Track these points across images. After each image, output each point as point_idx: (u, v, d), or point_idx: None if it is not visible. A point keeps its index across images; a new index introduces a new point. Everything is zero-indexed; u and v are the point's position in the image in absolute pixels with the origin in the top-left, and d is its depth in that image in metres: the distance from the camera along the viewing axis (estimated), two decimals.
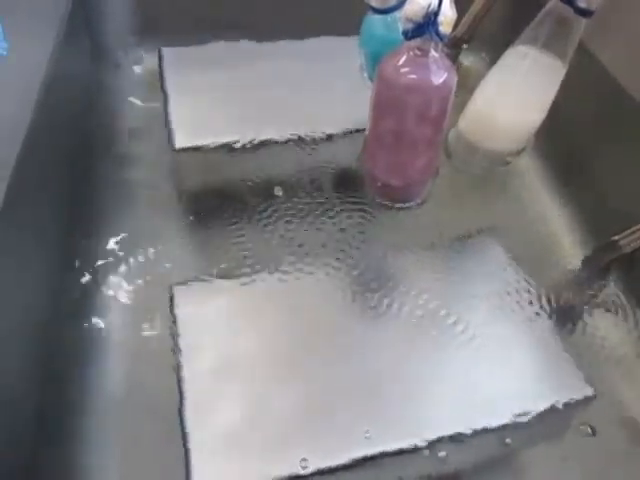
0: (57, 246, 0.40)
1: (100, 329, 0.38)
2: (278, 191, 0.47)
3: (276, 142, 0.51)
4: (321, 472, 0.33)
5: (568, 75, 0.42)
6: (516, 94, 0.44)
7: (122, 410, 0.35)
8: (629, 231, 0.42)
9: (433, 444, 0.35)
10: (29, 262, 0.35)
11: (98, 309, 0.39)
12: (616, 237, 0.43)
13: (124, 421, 0.34)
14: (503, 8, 0.53)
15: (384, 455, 0.34)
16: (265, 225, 0.45)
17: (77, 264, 0.41)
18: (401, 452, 0.34)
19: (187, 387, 0.35)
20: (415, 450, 0.34)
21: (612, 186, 0.48)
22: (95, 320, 0.38)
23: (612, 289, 0.44)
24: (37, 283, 0.37)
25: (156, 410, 0.35)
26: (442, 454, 0.35)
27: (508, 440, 0.36)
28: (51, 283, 0.38)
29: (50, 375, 0.35)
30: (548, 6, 0.40)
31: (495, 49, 0.46)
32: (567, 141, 0.52)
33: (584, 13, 0.38)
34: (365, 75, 0.50)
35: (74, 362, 0.36)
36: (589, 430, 0.37)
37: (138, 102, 0.53)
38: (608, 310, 0.43)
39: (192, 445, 0.33)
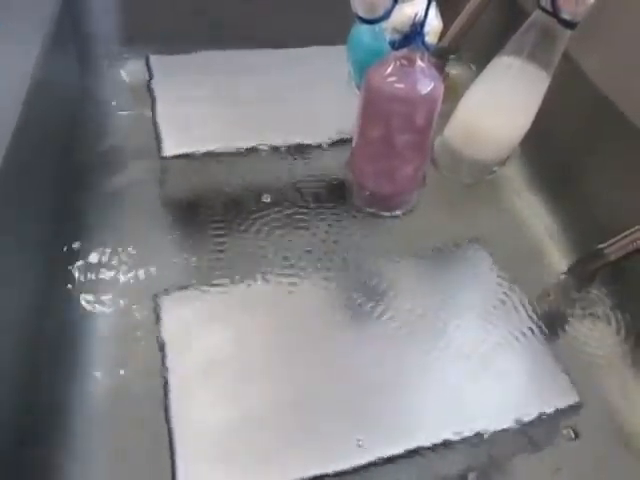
0: (42, 254, 0.40)
1: (85, 336, 0.37)
2: (266, 198, 0.47)
3: (263, 150, 0.51)
4: None
5: (552, 85, 0.43)
6: (501, 104, 0.45)
7: (108, 418, 0.34)
8: (614, 239, 0.43)
9: (423, 451, 0.35)
10: (15, 268, 0.35)
11: (83, 316, 0.38)
12: (601, 245, 0.44)
13: (110, 429, 0.34)
14: (489, 19, 0.54)
15: (376, 464, 0.34)
16: (252, 233, 0.45)
17: (63, 271, 0.40)
18: (393, 460, 0.34)
19: (173, 395, 0.35)
20: (405, 457, 0.34)
21: (597, 194, 0.48)
22: (80, 327, 0.38)
23: (598, 297, 0.44)
24: (21, 291, 0.36)
25: (142, 418, 0.35)
26: (432, 461, 0.34)
27: (496, 447, 0.36)
28: (35, 291, 0.38)
29: (34, 383, 0.34)
30: (532, 17, 0.40)
31: (481, 59, 0.47)
32: (552, 150, 0.53)
33: (568, 24, 0.39)
34: (353, 84, 0.50)
35: (58, 370, 0.36)
36: (576, 437, 0.37)
37: (125, 110, 0.53)
38: (594, 318, 0.43)
39: (178, 453, 0.33)
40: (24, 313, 0.36)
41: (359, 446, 0.34)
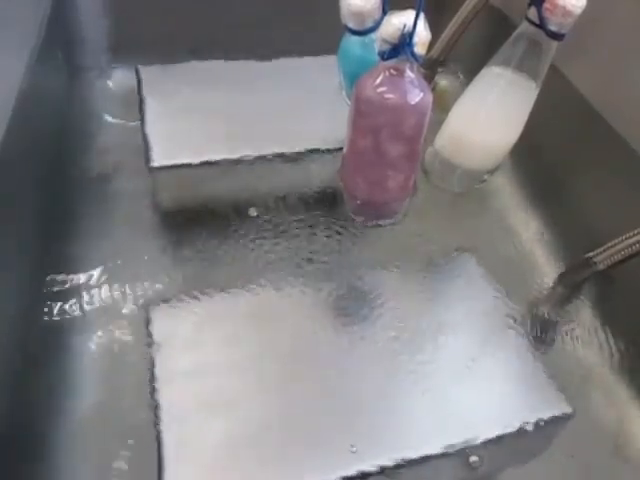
0: (28, 265, 0.39)
1: (74, 348, 0.37)
2: (254, 211, 0.47)
3: (254, 160, 0.51)
4: None
5: (541, 95, 0.43)
6: (490, 114, 0.45)
7: (94, 434, 0.34)
8: (602, 248, 0.43)
9: (414, 462, 0.34)
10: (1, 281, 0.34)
11: (72, 328, 0.38)
12: (590, 254, 0.44)
13: (96, 445, 0.33)
14: (478, 30, 0.54)
15: (367, 475, 0.34)
16: (243, 243, 0.44)
17: (51, 283, 0.40)
18: (383, 471, 0.34)
19: (163, 407, 0.35)
20: (397, 468, 0.34)
21: (586, 203, 0.49)
22: (69, 339, 0.37)
23: (587, 306, 0.44)
24: (5, 304, 0.35)
25: (130, 433, 0.34)
26: (423, 472, 0.34)
27: (487, 457, 0.35)
28: (19, 304, 0.37)
29: (19, 398, 0.34)
30: (520, 28, 0.41)
31: (470, 69, 0.47)
32: (541, 159, 0.53)
33: (555, 36, 0.39)
34: (343, 94, 0.50)
35: (44, 384, 0.35)
36: (568, 447, 0.37)
37: (115, 120, 0.53)
38: (583, 327, 0.43)
39: (167, 468, 0.32)
40: (8, 327, 0.35)
41: (352, 452, 0.34)
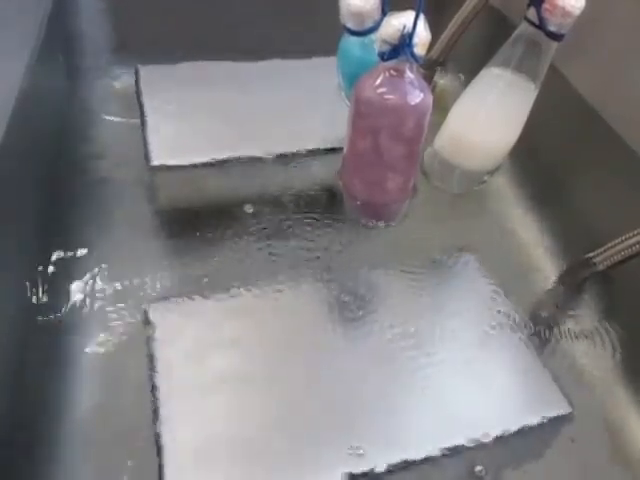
0: (28, 264, 0.39)
1: (73, 348, 0.37)
2: (253, 207, 0.47)
3: (253, 160, 0.51)
4: None
5: (540, 96, 0.43)
6: (490, 114, 0.45)
7: (95, 434, 0.34)
8: (602, 248, 0.43)
9: (415, 464, 0.34)
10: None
11: (72, 328, 0.38)
12: (590, 254, 0.44)
13: (97, 446, 0.33)
14: (477, 30, 0.54)
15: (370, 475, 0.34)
16: (242, 243, 0.44)
17: (50, 282, 0.40)
18: (386, 470, 0.34)
19: (163, 408, 0.35)
20: (396, 470, 0.34)
21: (586, 203, 0.49)
22: (67, 339, 0.37)
23: (586, 306, 0.44)
24: (5, 303, 0.36)
25: (130, 434, 0.34)
26: (426, 471, 0.34)
27: (487, 458, 0.35)
28: (19, 304, 0.37)
29: (20, 397, 0.34)
30: (519, 29, 0.41)
31: (470, 70, 0.47)
32: (541, 160, 0.53)
33: (554, 36, 0.39)
34: (343, 95, 0.50)
35: (45, 384, 0.35)
36: (569, 447, 0.37)
37: (114, 120, 0.53)
38: (584, 327, 0.43)
39: (167, 468, 0.32)
40: (8, 327, 0.35)
41: (351, 454, 0.34)
